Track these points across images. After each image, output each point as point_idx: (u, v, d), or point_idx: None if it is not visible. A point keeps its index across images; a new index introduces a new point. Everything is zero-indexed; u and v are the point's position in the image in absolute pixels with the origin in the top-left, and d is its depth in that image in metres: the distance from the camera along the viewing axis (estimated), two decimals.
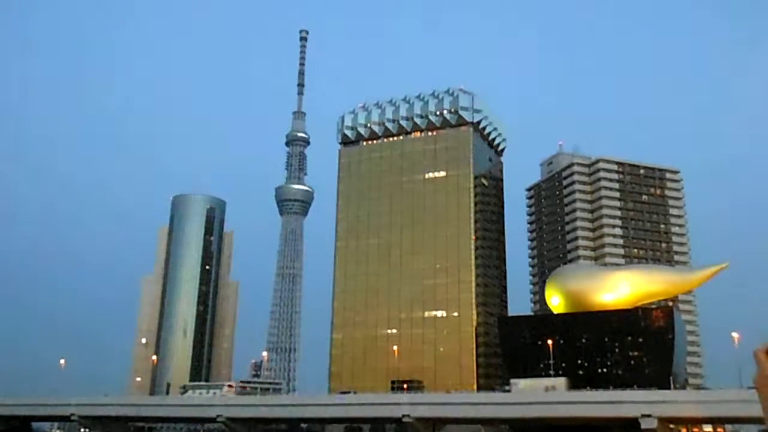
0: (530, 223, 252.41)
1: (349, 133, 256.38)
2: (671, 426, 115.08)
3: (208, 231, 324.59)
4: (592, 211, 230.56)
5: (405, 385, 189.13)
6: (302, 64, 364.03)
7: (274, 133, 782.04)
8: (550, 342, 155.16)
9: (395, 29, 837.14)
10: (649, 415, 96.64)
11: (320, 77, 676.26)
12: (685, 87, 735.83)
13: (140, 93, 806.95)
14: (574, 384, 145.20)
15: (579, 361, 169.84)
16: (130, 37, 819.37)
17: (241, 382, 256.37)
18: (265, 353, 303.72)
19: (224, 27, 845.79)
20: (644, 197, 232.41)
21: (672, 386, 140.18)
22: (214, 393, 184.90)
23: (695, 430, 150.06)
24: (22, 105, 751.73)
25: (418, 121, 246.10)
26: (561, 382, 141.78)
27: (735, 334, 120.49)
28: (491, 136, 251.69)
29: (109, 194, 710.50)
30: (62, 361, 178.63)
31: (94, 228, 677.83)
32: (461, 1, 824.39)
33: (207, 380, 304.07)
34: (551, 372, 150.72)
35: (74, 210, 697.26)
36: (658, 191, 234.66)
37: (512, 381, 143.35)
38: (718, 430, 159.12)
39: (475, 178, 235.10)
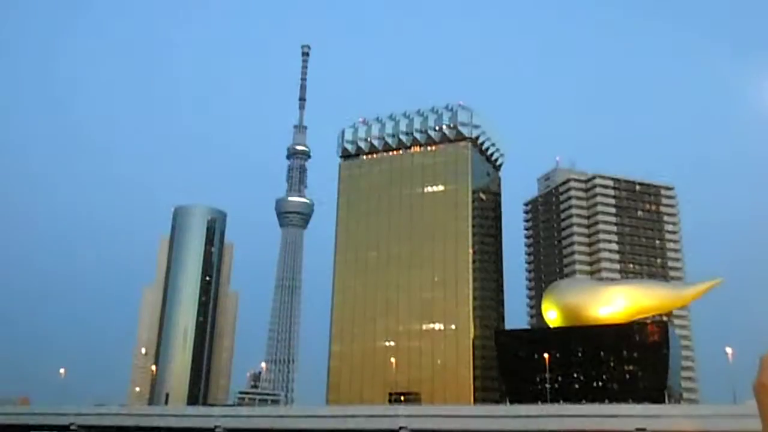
0: (527, 237, 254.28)
1: (349, 146, 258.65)
2: None
3: (209, 242, 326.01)
4: (588, 226, 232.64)
5: (402, 397, 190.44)
6: (304, 79, 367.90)
7: (275, 146, 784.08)
8: (546, 355, 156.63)
9: (396, 45, 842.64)
10: (643, 429, 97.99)
11: (321, 92, 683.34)
12: (679, 104, 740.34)
13: (142, 104, 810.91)
14: (570, 397, 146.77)
15: (575, 375, 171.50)
16: (128, 49, 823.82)
17: (240, 392, 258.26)
18: (263, 364, 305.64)
19: (227, 40, 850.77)
20: (640, 213, 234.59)
21: (666, 400, 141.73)
22: None
23: None
24: (14, 115, 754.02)
25: (417, 135, 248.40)
26: None
27: (729, 349, 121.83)
28: (489, 151, 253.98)
29: (111, 205, 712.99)
30: (62, 371, 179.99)
31: (97, 238, 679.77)
32: (461, 17, 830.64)
33: (206, 391, 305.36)
34: (547, 385, 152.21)
35: (75, 220, 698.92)
36: (654, 207, 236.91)
37: None
38: None
39: (473, 192, 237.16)
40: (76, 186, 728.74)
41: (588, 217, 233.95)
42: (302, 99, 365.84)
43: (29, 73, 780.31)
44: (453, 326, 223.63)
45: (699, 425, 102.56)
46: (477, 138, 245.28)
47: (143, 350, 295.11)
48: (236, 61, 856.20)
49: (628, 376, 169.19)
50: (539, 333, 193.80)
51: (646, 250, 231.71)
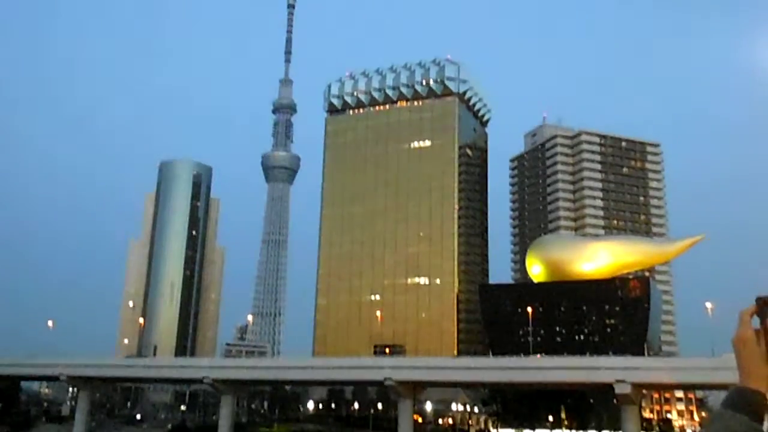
0: (513, 193, 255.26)
1: (335, 101, 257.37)
2: (644, 391, 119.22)
3: (195, 196, 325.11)
4: (573, 183, 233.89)
5: (387, 350, 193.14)
6: (290, 32, 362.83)
7: (261, 101, 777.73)
8: (529, 310, 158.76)
9: None
10: (623, 381, 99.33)
11: (308, 45, 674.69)
12: (668, 63, 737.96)
13: (127, 59, 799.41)
14: (552, 350, 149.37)
15: (557, 329, 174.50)
16: (115, 5, 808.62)
17: (227, 344, 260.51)
18: (250, 317, 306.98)
19: None
20: (625, 169, 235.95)
21: (646, 353, 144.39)
22: None
23: (667, 395, 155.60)
24: (16, 82, 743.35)
25: (404, 90, 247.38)
26: None
27: (708, 305, 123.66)
28: (476, 107, 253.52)
29: (97, 161, 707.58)
30: (50, 323, 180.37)
31: (83, 192, 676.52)
32: None
33: (193, 343, 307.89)
34: (530, 338, 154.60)
35: (62, 175, 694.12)
36: (639, 164, 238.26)
37: None
38: (689, 395, 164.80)
39: (460, 148, 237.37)
40: (62, 141, 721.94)
41: (573, 174, 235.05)
42: (288, 52, 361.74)
43: (21, 35, 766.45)
44: (438, 280, 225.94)
45: (677, 377, 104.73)
46: (464, 93, 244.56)
47: (131, 303, 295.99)
48: (221, 13, 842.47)
49: (609, 329, 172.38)
50: (523, 287, 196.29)
51: (630, 207, 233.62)
